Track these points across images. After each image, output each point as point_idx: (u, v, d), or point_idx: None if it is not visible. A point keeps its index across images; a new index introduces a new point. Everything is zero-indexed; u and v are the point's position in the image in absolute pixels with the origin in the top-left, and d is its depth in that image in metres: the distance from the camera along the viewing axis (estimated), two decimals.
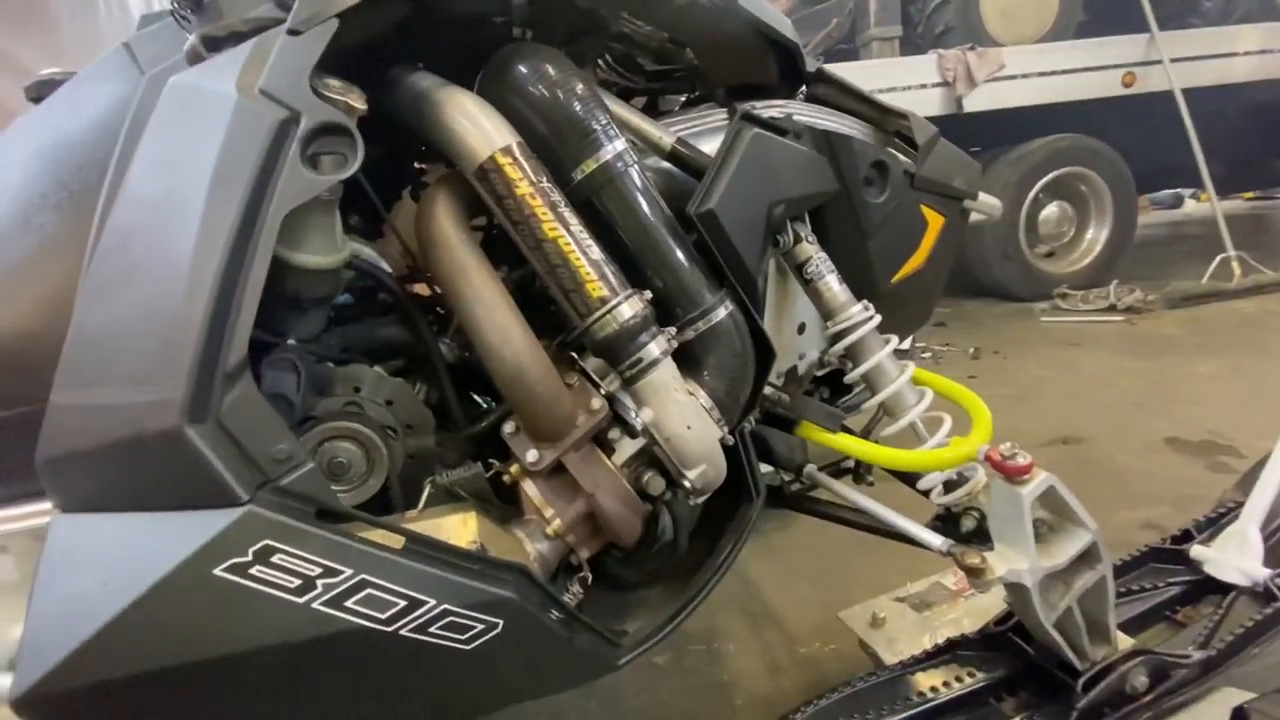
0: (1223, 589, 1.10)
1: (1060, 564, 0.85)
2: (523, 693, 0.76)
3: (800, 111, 1.01)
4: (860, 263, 1.02)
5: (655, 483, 0.80)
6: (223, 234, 0.58)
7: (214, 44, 0.70)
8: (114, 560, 0.56)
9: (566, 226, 0.74)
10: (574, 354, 0.83)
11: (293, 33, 0.64)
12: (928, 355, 3.23)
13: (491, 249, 0.82)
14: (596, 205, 0.79)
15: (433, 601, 0.62)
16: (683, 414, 0.77)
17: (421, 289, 0.98)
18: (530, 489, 0.79)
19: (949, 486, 0.94)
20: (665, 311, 0.80)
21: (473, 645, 0.65)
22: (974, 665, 1.00)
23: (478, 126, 0.74)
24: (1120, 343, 3.22)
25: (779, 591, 1.54)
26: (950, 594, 1.23)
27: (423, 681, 0.67)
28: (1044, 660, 0.96)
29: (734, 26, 0.92)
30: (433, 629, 0.63)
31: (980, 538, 0.91)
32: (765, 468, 1.09)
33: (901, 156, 1.08)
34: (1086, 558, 0.88)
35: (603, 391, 0.80)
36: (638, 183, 0.80)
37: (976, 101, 3.78)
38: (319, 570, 0.58)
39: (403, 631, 0.61)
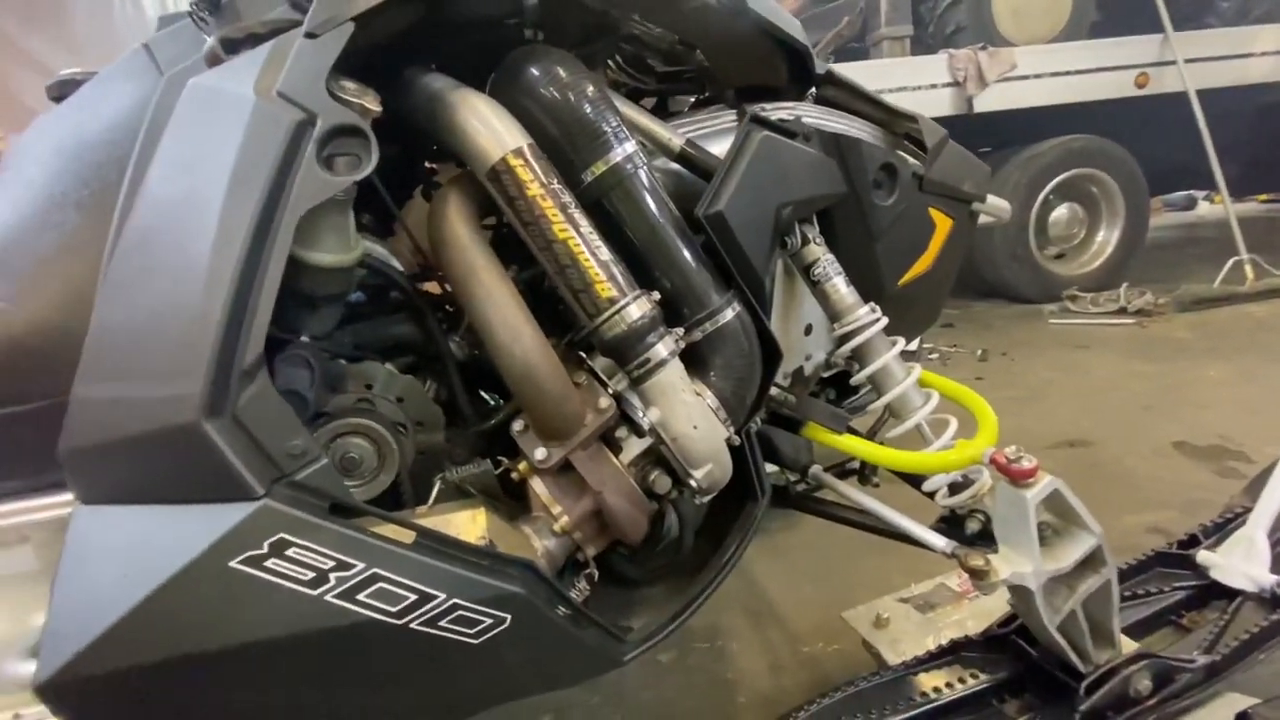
0: (1229, 594, 1.10)
1: (1064, 567, 0.85)
2: (529, 687, 0.77)
3: (809, 114, 1.01)
4: (868, 265, 1.02)
5: (661, 481, 0.81)
6: (240, 234, 0.59)
7: (232, 46, 0.71)
8: (134, 551, 0.57)
9: (576, 228, 0.75)
10: (582, 353, 0.84)
11: (310, 36, 0.65)
12: (935, 356, 3.23)
13: (501, 248, 0.83)
14: (606, 206, 0.80)
15: (442, 596, 0.63)
16: (689, 414, 0.78)
17: (432, 287, 0.99)
18: (538, 486, 0.80)
19: (954, 489, 0.94)
20: (673, 312, 0.81)
21: (481, 639, 0.66)
22: (977, 667, 1.01)
23: (490, 128, 0.74)
24: (1130, 346, 3.20)
25: (782, 591, 1.54)
26: (954, 595, 1.24)
27: (431, 674, 0.68)
28: (1047, 663, 0.96)
29: (744, 29, 0.92)
30: (442, 623, 0.64)
31: (985, 540, 0.92)
32: (770, 468, 1.09)
33: (910, 159, 1.08)
34: (1091, 561, 0.88)
35: (610, 391, 0.81)
36: (647, 185, 0.80)
37: (987, 102, 3.75)
38: (332, 564, 0.59)
39: (413, 625, 0.62)
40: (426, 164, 1.07)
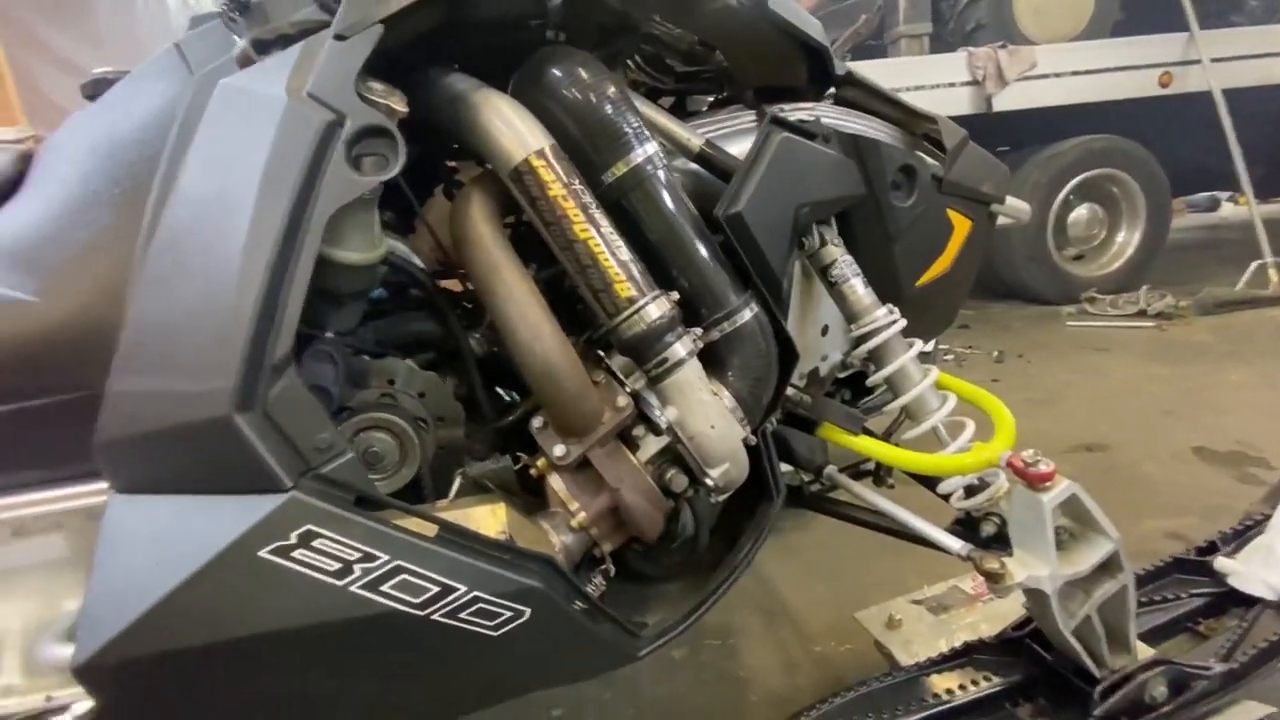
0: (1247, 602, 1.09)
1: (1081, 572, 0.85)
2: (545, 680, 0.78)
3: (828, 115, 1.02)
4: (885, 266, 1.02)
5: (678, 480, 0.82)
6: (272, 232, 0.60)
7: (263, 47, 0.73)
8: (167, 540, 0.59)
9: (597, 228, 0.76)
10: (600, 352, 0.85)
11: (339, 38, 0.66)
12: (950, 358, 3.20)
13: (519, 246, 0.84)
14: (626, 206, 0.81)
15: (464, 588, 0.64)
16: (707, 413, 0.79)
17: (452, 284, 1.01)
18: (556, 482, 0.81)
19: (970, 491, 0.94)
20: (691, 312, 0.82)
21: (500, 632, 0.67)
22: (990, 669, 1.01)
23: (513, 129, 0.75)
24: (1149, 349, 3.16)
25: (795, 590, 1.55)
26: (968, 598, 1.23)
27: (451, 664, 0.70)
28: (1061, 667, 0.96)
29: (765, 30, 0.93)
30: (463, 615, 0.65)
31: (1000, 543, 0.92)
32: (784, 467, 1.10)
33: (929, 160, 1.08)
34: (1108, 567, 0.88)
35: (628, 389, 0.82)
36: (667, 186, 0.81)
37: (1006, 101, 3.71)
38: (357, 555, 0.60)
39: (434, 616, 0.64)
40: (446, 162, 1.08)
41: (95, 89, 0.93)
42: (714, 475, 0.80)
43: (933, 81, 3.67)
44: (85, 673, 0.57)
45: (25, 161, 0.90)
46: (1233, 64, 3.89)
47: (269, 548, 0.58)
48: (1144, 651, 0.99)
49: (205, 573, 0.57)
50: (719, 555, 0.95)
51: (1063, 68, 3.78)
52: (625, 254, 0.77)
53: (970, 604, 1.22)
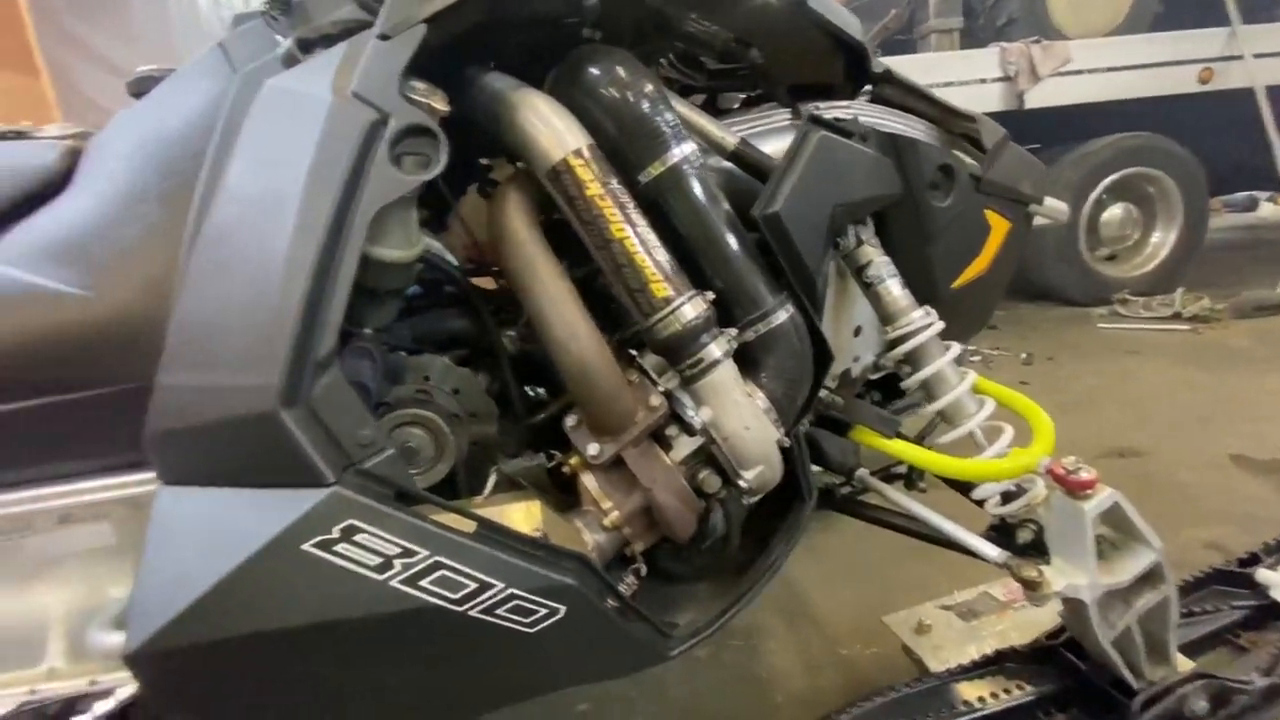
0: None
1: (1122, 582, 0.83)
2: (577, 677, 0.79)
3: (866, 113, 1.00)
4: (921, 267, 1.01)
5: (711, 481, 0.81)
6: (317, 231, 0.61)
7: (307, 46, 0.73)
8: (214, 531, 0.60)
9: (634, 227, 0.76)
10: (632, 350, 0.85)
11: (383, 37, 0.67)
12: (978, 359, 3.15)
13: (552, 244, 0.84)
14: (662, 206, 0.80)
15: (500, 585, 0.65)
16: (741, 415, 0.78)
17: (485, 282, 1.01)
18: (589, 481, 0.81)
19: (1006, 497, 0.93)
20: (726, 312, 0.81)
21: (536, 629, 0.68)
22: (1023, 678, 0.99)
23: (551, 128, 0.75)
24: (1184, 353, 3.08)
25: (819, 592, 1.54)
26: (998, 605, 1.22)
27: (486, 660, 0.70)
28: (1097, 678, 0.95)
29: (803, 27, 0.92)
30: (499, 611, 0.66)
31: (1036, 550, 0.90)
32: (813, 469, 1.09)
33: (967, 159, 1.06)
34: (1150, 578, 0.86)
35: (661, 389, 0.81)
36: (704, 185, 0.81)
37: (1039, 97, 3.63)
38: (398, 550, 0.61)
39: (472, 612, 0.64)
40: (479, 159, 1.08)
41: (141, 86, 0.95)
42: (748, 477, 0.80)
43: (963, 78, 3.60)
44: (136, 660, 0.58)
45: (74, 158, 0.92)
46: (1276, 60, 3.77)
47: (312, 541, 0.59)
48: (1184, 664, 0.97)
49: (251, 564, 0.58)
50: (747, 556, 0.94)
51: (1098, 63, 3.68)
52: (661, 254, 0.77)
53: (1001, 611, 1.20)
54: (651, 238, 0.77)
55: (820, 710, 1.01)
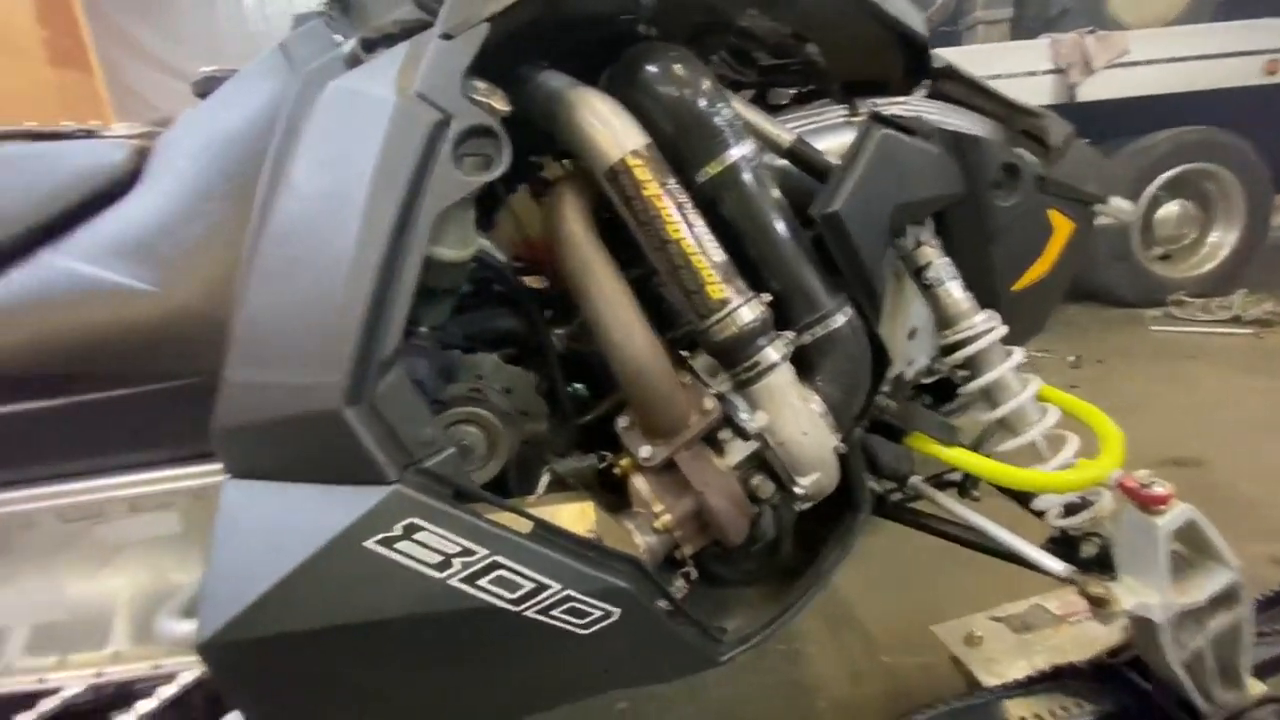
0: None
1: (1196, 602, 0.80)
2: (627, 679, 0.78)
3: (926, 109, 0.97)
4: (982, 269, 0.97)
5: (764, 486, 0.80)
6: (382, 231, 0.61)
7: (370, 46, 0.74)
8: (280, 526, 0.61)
9: (691, 228, 0.75)
10: (684, 352, 0.84)
11: (445, 37, 0.66)
12: (1024, 361, 3.06)
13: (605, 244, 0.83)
14: (719, 205, 0.79)
15: (557, 586, 0.64)
16: (798, 419, 0.77)
17: (534, 281, 1.01)
18: (641, 483, 0.80)
19: (1070, 509, 0.89)
20: (783, 314, 0.80)
21: (590, 630, 0.67)
22: (1083, 696, 0.96)
23: (609, 128, 0.75)
24: (1245, 358, 2.94)
25: (864, 598, 1.51)
26: (1053, 619, 1.17)
27: (540, 660, 0.71)
28: (1163, 699, 0.91)
29: (864, 21, 0.89)
30: (555, 612, 0.66)
31: (1101, 565, 0.87)
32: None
33: (1030, 157, 1.02)
34: (1226, 598, 0.82)
35: (714, 392, 0.80)
36: (761, 185, 0.79)
37: (1092, 90, 3.49)
38: (457, 549, 0.61)
39: (528, 612, 0.64)
40: (529, 157, 1.08)
41: (205, 87, 0.97)
42: (804, 484, 0.78)
43: (1011, 70, 3.48)
44: (208, 650, 0.60)
45: (142, 157, 0.94)
46: None
47: (375, 538, 0.60)
48: (1254, 687, 0.92)
49: (316, 560, 0.59)
50: (796, 561, 0.93)
51: (1157, 54, 3.52)
52: (719, 255, 0.76)
53: (1056, 625, 1.16)
54: (709, 238, 0.75)
55: (863, 718, 0.99)
